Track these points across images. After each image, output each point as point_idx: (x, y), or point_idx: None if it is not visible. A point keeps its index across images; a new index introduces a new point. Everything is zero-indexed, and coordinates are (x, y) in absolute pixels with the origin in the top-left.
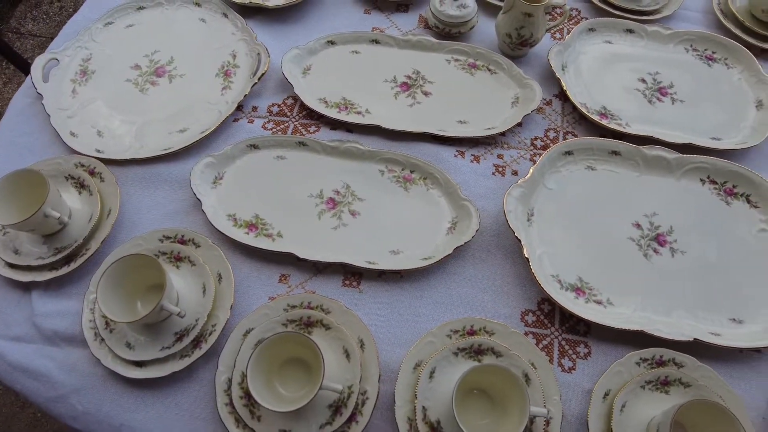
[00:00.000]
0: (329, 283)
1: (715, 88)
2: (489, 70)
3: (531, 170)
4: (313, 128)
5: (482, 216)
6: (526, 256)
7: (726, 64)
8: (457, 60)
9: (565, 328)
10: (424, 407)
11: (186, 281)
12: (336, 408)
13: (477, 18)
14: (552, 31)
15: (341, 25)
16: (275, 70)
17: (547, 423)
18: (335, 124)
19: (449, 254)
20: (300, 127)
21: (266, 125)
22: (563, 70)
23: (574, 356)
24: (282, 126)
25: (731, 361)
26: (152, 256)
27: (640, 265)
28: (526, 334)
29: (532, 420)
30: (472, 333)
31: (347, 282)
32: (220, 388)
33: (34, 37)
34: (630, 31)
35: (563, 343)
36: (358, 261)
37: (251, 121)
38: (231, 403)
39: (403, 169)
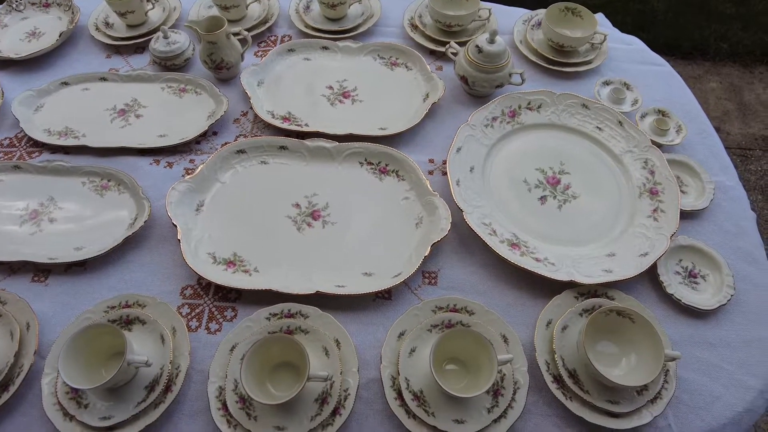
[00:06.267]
0: (20, 281)
1: (394, 87)
2: (196, 92)
3: (199, 168)
4: (36, 154)
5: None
6: (179, 238)
7: (406, 67)
8: (170, 87)
9: (218, 297)
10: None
11: None
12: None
13: (192, 51)
14: (260, 54)
15: (84, 68)
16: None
17: (177, 374)
18: (55, 149)
19: (121, 244)
20: (26, 155)
21: None
22: (259, 85)
23: (221, 319)
24: (9, 155)
25: (366, 309)
26: None
27: (292, 237)
28: (182, 305)
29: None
30: (127, 306)
31: (36, 278)
32: None
33: None
34: (325, 48)
35: (213, 309)
36: (42, 258)
37: None
38: None
39: (101, 179)
